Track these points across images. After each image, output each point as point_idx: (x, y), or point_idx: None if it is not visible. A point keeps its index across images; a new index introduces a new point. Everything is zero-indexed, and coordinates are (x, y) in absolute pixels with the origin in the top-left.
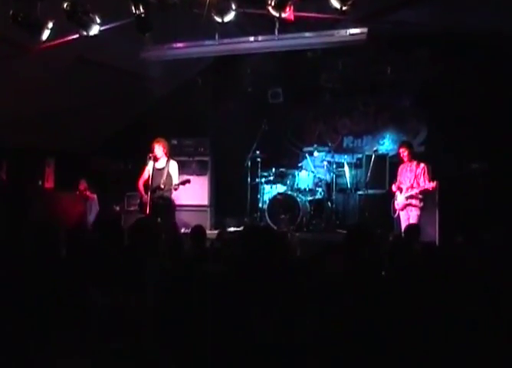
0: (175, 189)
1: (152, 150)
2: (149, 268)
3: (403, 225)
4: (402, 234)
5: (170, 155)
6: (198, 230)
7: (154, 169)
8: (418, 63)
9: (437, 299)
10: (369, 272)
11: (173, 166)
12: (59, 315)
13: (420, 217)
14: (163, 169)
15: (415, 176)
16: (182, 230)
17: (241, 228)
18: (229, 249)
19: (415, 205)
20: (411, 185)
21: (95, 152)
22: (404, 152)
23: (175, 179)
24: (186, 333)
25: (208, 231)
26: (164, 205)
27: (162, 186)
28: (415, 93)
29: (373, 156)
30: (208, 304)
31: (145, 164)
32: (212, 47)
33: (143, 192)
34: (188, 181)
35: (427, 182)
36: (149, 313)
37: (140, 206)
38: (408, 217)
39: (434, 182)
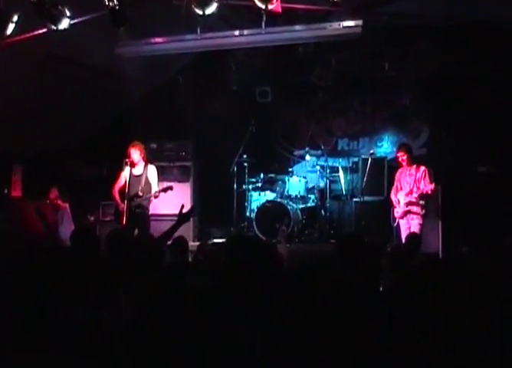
0: (156, 197)
1: (128, 155)
2: (126, 282)
3: (403, 235)
4: (402, 245)
5: (148, 159)
6: (179, 241)
7: (131, 175)
8: (418, 57)
9: (440, 317)
10: (365, 287)
11: (152, 172)
12: (27, 331)
13: (422, 226)
14: (141, 175)
15: (415, 181)
16: None
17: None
18: (212, 262)
19: (415, 213)
20: (410, 191)
21: (67, 157)
22: (403, 157)
23: (155, 186)
24: (163, 350)
25: (191, 243)
26: (142, 214)
27: (141, 194)
28: (416, 91)
29: (370, 160)
30: (188, 319)
31: (121, 169)
32: (194, 42)
33: (119, 201)
34: (170, 188)
35: (427, 185)
36: (123, 327)
37: (116, 216)
38: (408, 226)
39: (433, 184)
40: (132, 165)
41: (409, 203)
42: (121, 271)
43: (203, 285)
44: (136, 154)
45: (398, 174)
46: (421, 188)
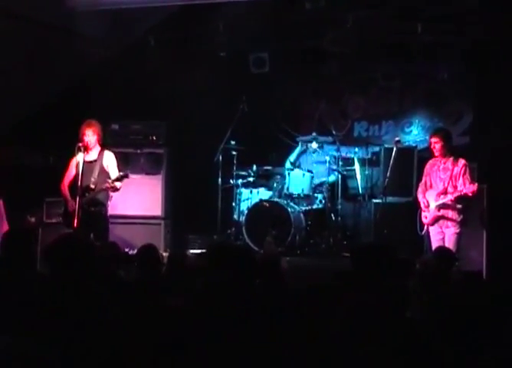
0: (113, 189)
1: (81, 138)
2: (75, 304)
3: (435, 247)
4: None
5: (105, 144)
6: (148, 251)
7: (84, 162)
8: (463, 18)
9: (486, 354)
10: (389, 313)
11: (109, 159)
12: None
13: (460, 236)
14: (95, 162)
15: (451, 177)
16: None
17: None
18: (189, 278)
19: (451, 219)
20: (444, 190)
21: (1, 140)
22: (436, 144)
23: (114, 174)
24: None
25: (163, 253)
26: (98, 213)
27: (93, 186)
28: (458, 61)
29: (395, 150)
30: (161, 347)
31: (73, 156)
32: None
33: (69, 196)
34: (125, 176)
35: (467, 184)
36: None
37: (65, 216)
38: (442, 236)
39: (475, 185)
40: (86, 149)
41: (442, 206)
42: (69, 289)
43: (178, 307)
44: (92, 137)
45: (428, 167)
46: (459, 187)
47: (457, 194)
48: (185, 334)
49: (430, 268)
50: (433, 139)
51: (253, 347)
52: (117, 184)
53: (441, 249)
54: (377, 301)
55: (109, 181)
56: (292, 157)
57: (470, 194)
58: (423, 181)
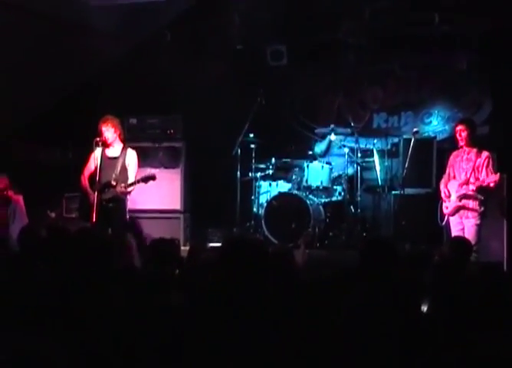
0: (125, 192)
1: (99, 133)
2: (88, 300)
3: None
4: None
5: (126, 140)
6: (163, 245)
7: (104, 157)
8: (481, 6)
9: (505, 348)
10: (403, 307)
11: (131, 157)
12: None
13: (480, 227)
14: (117, 158)
15: (473, 168)
16: None
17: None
18: (203, 273)
19: (472, 209)
20: (466, 180)
21: (19, 136)
22: (462, 132)
23: (132, 175)
24: None
25: (182, 247)
26: (116, 209)
27: (114, 183)
28: (476, 51)
29: (414, 141)
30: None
31: (91, 151)
32: None
33: (89, 189)
34: (151, 177)
35: (490, 175)
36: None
37: (82, 210)
38: (461, 227)
39: (497, 175)
40: (106, 145)
41: (464, 196)
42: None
43: (188, 303)
44: (109, 132)
45: (452, 158)
46: (481, 178)
47: (478, 184)
48: (188, 331)
49: (446, 260)
50: (459, 127)
51: (259, 343)
52: (130, 188)
53: (457, 239)
54: (387, 294)
55: (123, 185)
56: (319, 148)
57: (492, 184)
58: (447, 172)
